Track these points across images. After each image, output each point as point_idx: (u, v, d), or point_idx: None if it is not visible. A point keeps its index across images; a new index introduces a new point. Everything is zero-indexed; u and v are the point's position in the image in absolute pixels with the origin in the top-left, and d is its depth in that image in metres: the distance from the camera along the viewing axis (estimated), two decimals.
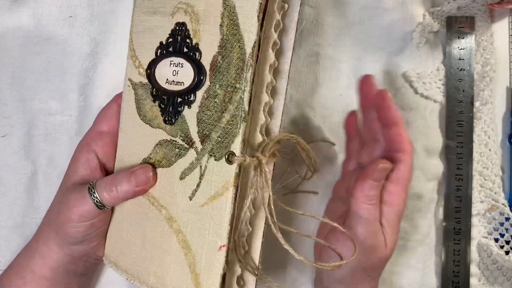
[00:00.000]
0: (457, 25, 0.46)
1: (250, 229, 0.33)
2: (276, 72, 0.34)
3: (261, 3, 0.30)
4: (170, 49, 0.35)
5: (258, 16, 0.31)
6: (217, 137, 0.32)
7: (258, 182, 0.32)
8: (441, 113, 0.46)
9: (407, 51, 0.46)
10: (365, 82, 0.40)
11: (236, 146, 0.31)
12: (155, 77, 0.36)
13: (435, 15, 0.46)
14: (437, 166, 0.46)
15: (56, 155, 0.46)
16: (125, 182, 0.35)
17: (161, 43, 0.36)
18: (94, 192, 0.35)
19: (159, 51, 0.36)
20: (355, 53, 0.46)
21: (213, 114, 0.33)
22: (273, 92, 0.34)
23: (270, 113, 0.34)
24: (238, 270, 0.34)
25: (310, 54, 0.46)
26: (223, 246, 0.31)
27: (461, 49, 0.46)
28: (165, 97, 0.35)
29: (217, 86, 0.32)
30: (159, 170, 0.36)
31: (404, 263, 0.46)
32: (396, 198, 0.36)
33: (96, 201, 0.35)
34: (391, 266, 0.46)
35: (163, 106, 0.36)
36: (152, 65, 0.36)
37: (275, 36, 0.32)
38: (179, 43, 0.35)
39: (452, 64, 0.46)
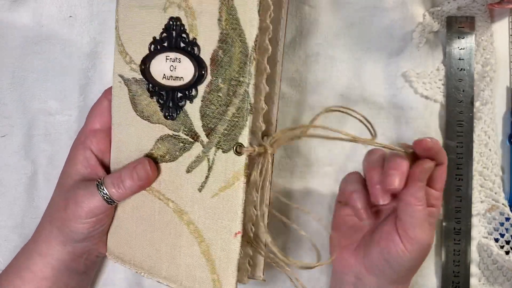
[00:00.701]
0: (457, 25, 0.46)
1: (256, 212, 0.35)
2: (270, 60, 0.34)
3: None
4: (165, 44, 0.35)
5: (258, 11, 0.31)
6: (224, 130, 0.33)
7: (263, 167, 0.34)
8: (441, 113, 0.46)
9: (407, 51, 0.46)
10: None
11: (244, 138, 0.32)
12: (150, 72, 0.36)
13: (435, 15, 0.46)
14: None
15: (56, 155, 0.46)
16: (128, 178, 0.36)
17: (154, 38, 0.36)
18: (103, 189, 0.36)
19: (152, 46, 0.36)
20: (355, 53, 0.46)
21: (217, 108, 0.33)
22: (269, 81, 0.35)
23: (267, 101, 0.35)
24: (249, 252, 0.35)
25: (310, 54, 0.46)
26: (238, 233, 0.33)
27: (461, 49, 0.46)
28: (163, 93, 0.36)
29: (220, 80, 0.33)
30: (163, 165, 0.37)
31: None
32: (440, 202, 0.37)
33: (106, 197, 0.36)
34: None
35: (162, 102, 0.36)
36: (147, 60, 0.36)
37: (270, 27, 0.33)
38: (174, 38, 0.35)
39: (452, 64, 0.46)
